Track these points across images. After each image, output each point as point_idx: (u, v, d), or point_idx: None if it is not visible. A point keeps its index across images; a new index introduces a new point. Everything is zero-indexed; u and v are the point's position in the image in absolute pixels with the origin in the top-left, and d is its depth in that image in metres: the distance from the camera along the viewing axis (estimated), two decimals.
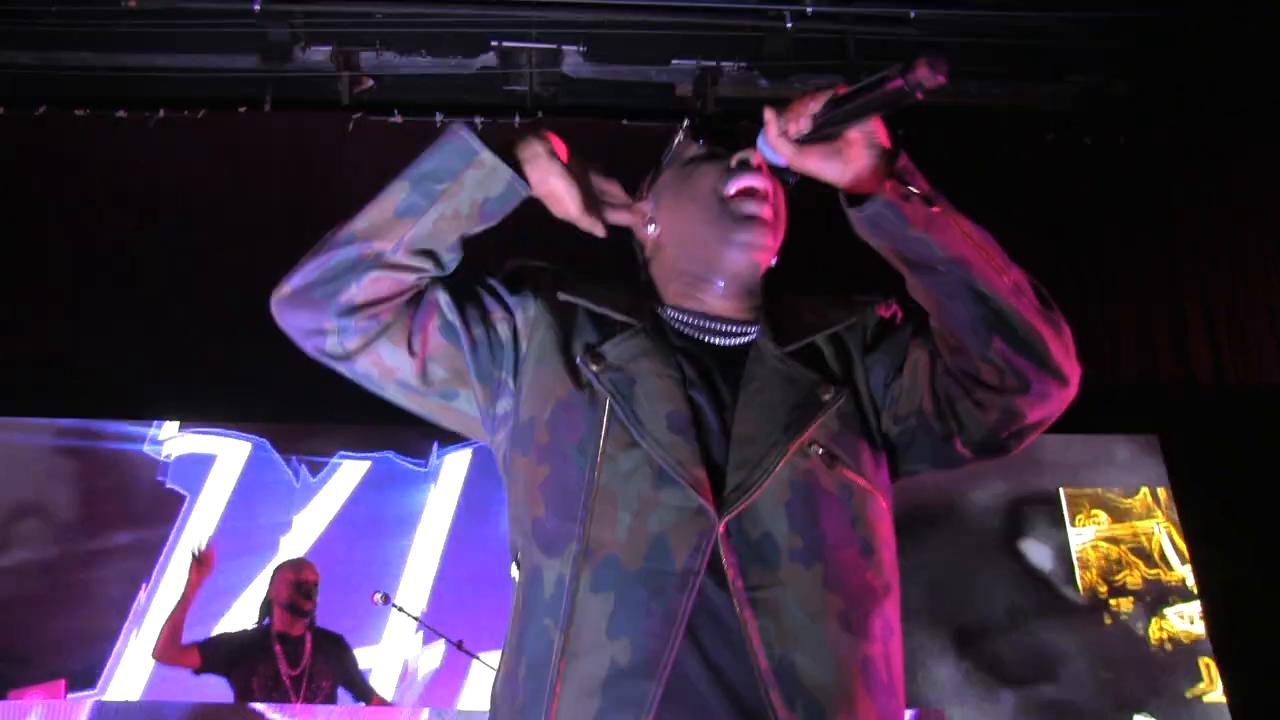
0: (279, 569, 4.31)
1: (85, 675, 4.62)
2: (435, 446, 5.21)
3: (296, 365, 5.14)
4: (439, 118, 5.28)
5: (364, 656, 4.74)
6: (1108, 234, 5.28)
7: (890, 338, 1.47)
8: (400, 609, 4.43)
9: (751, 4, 4.99)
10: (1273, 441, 5.00)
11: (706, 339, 1.43)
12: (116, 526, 4.93)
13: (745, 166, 1.45)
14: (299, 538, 4.98)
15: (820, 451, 1.30)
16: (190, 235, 5.02)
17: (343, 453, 5.14)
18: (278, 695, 4.04)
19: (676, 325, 1.44)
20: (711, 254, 1.45)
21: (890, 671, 1.25)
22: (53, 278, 4.98)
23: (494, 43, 5.15)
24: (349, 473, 5.12)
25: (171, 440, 5.10)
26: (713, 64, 5.27)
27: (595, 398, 1.32)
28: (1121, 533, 5.24)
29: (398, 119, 5.26)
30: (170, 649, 4.07)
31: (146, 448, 5.06)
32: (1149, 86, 5.30)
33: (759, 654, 1.17)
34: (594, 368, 1.33)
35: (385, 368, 1.37)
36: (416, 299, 1.38)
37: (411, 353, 1.36)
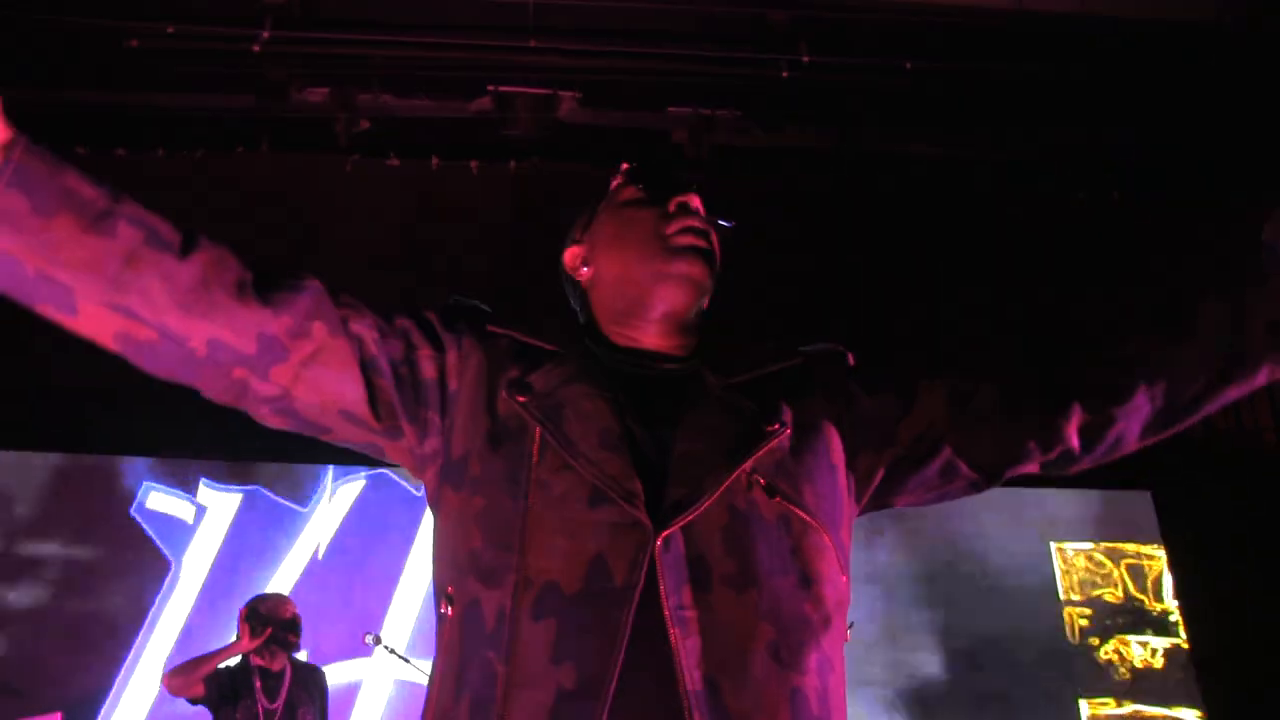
0: (265, 603, 4.28)
1: (81, 710, 4.58)
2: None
3: None
4: (435, 161, 5.31)
5: (347, 692, 4.74)
6: (1097, 288, 5.31)
7: (890, 379, 1.49)
8: (390, 650, 4.41)
9: (748, 53, 5.04)
10: (1262, 497, 5.01)
11: (641, 371, 1.43)
12: (115, 564, 4.90)
13: (686, 209, 1.49)
14: (290, 571, 4.97)
15: (761, 481, 1.29)
16: None
17: (334, 478, 5.13)
18: None
19: (611, 360, 1.43)
20: (648, 289, 1.46)
21: (825, 706, 1.21)
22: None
23: (490, 87, 5.19)
24: (338, 505, 5.11)
25: (162, 487, 5.08)
26: (708, 112, 5.32)
27: (524, 426, 1.31)
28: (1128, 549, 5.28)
29: (394, 161, 5.29)
30: (187, 686, 4.07)
31: (143, 490, 5.04)
32: (1147, 142, 5.35)
33: (685, 675, 1.14)
34: (520, 399, 1.32)
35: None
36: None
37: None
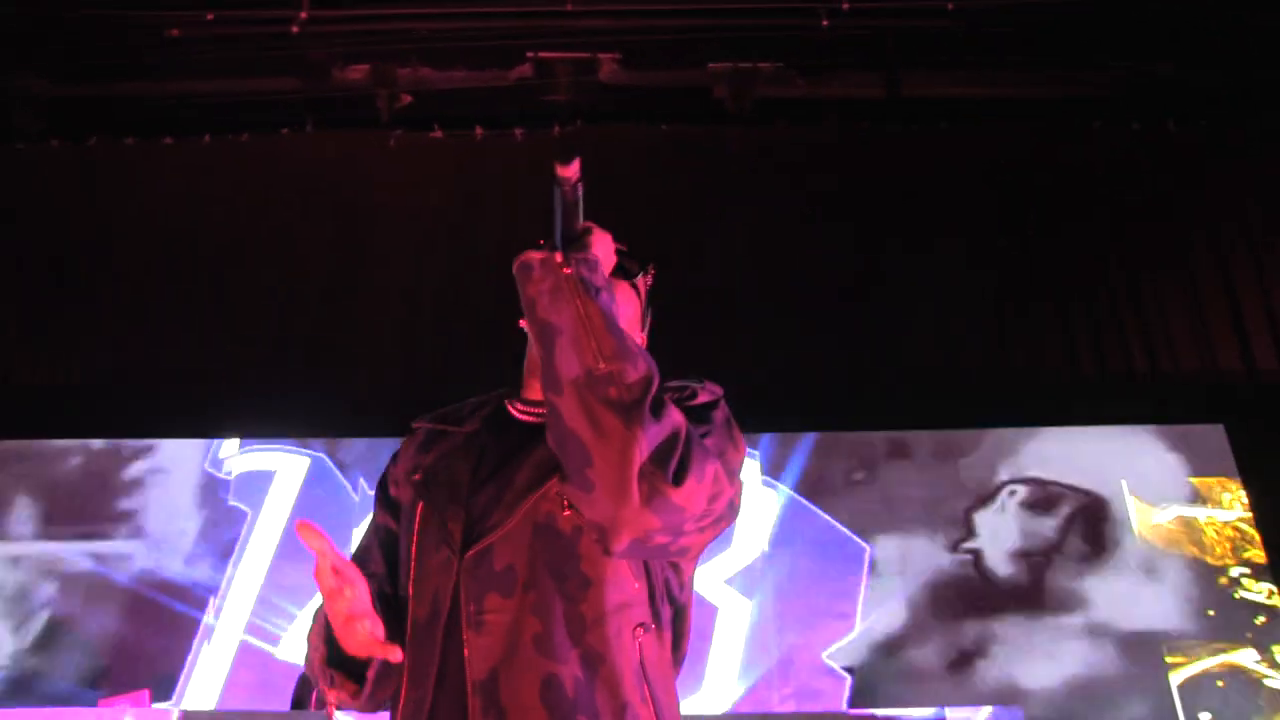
0: None
1: (164, 686, 4.70)
2: None
3: (349, 381, 5.12)
4: (479, 131, 5.30)
5: None
6: (1160, 223, 5.17)
7: None
8: None
9: (787, 3, 4.96)
10: None
11: (527, 421, 1.63)
12: (183, 543, 5.00)
13: None
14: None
15: (564, 499, 1.45)
16: (241, 256, 5.10)
17: None
18: None
19: (516, 413, 1.65)
20: None
21: (582, 691, 1.38)
22: (110, 301, 5.09)
23: (530, 54, 5.17)
24: None
25: (232, 458, 5.17)
26: (749, 65, 5.25)
27: (415, 499, 1.57)
28: None
29: (438, 134, 5.29)
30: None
31: (208, 466, 5.14)
32: (1194, 70, 5.20)
33: (470, 669, 1.39)
34: (416, 478, 1.59)
35: None
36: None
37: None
